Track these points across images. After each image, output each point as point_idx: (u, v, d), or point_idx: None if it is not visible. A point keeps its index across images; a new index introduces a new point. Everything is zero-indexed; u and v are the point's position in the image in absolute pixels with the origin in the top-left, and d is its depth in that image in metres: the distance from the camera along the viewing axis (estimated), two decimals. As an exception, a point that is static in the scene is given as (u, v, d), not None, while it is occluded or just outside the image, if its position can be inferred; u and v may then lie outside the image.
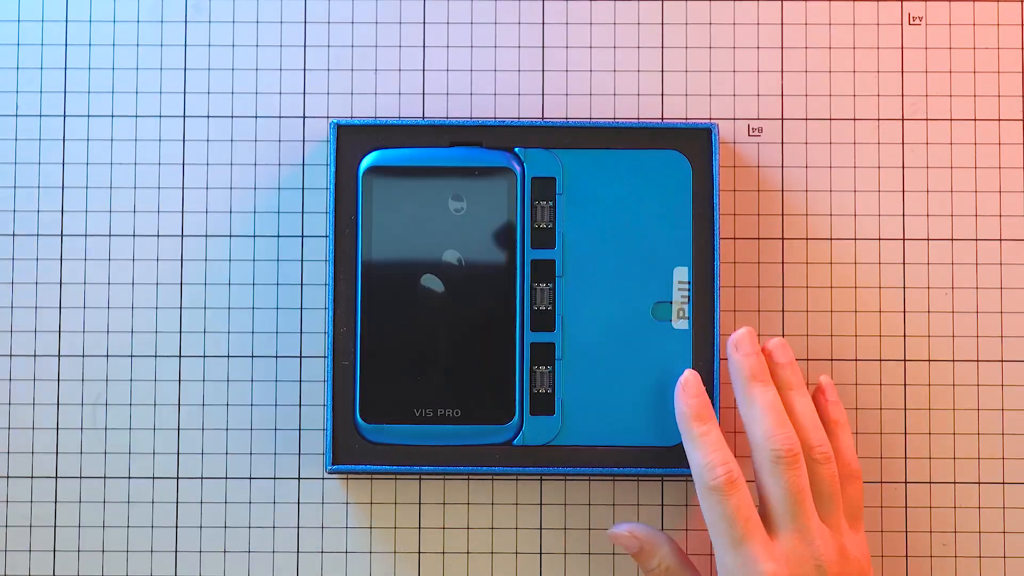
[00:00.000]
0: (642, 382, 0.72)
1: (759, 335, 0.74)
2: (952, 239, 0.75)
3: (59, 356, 0.75)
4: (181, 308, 0.75)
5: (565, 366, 0.72)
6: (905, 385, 0.75)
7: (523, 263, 0.72)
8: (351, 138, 0.73)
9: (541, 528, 0.75)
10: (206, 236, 0.75)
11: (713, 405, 0.72)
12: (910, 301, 0.75)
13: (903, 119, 0.76)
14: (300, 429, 0.75)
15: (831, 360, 0.75)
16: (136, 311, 0.75)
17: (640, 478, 0.74)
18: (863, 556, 0.69)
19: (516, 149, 0.73)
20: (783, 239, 0.75)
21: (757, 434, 0.68)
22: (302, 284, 0.75)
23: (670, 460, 0.72)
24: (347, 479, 0.75)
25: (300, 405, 0.75)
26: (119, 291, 0.75)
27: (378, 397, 0.72)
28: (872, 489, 0.75)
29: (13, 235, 0.75)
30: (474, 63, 0.76)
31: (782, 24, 0.76)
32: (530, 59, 0.76)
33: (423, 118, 0.75)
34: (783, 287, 0.75)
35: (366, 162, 0.73)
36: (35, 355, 0.75)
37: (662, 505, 0.75)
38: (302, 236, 0.75)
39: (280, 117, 0.75)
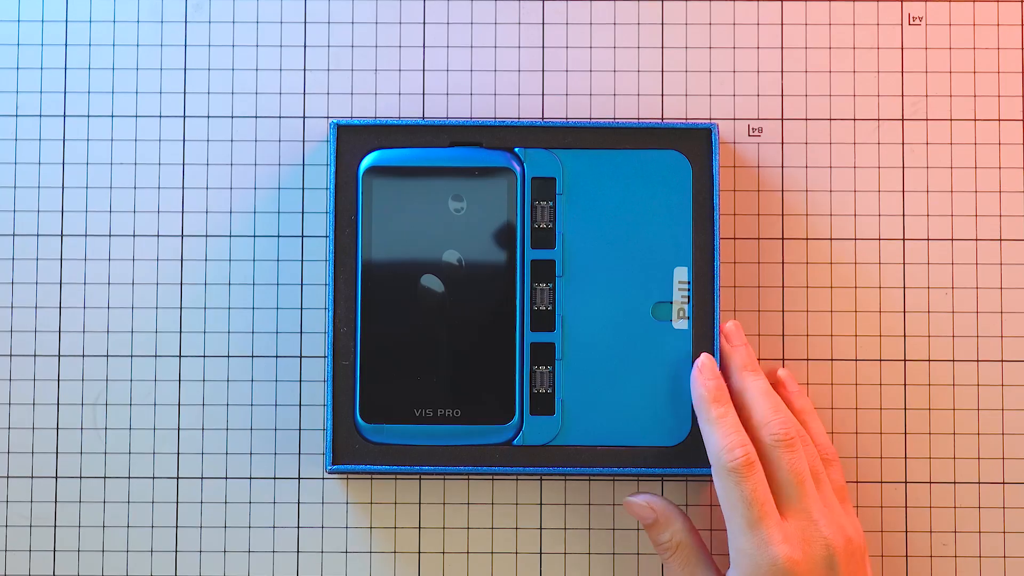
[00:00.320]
0: (642, 382, 0.72)
1: (759, 335, 0.75)
2: (952, 239, 0.75)
3: (59, 356, 0.75)
4: (181, 308, 0.75)
5: (565, 366, 0.72)
6: (905, 385, 0.75)
7: (523, 263, 0.72)
8: (351, 138, 0.73)
9: (541, 528, 0.75)
10: (206, 236, 0.75)
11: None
12: (910, 301, 0.75)
13: (903, 119, 0.76)
14: (300, 429, 0.75)
15: (831, 360, 0.75)
16: (136, 311, 0.75)
17: (640, 478, 0.74)
18: (859, 534, 0.69)
19: (516, 149, 0.73)
20: (783, 239, 0.75)
21: (753, 420, 0.69)
22: (302, 284, 0.75)
23: (670, 460, 0.72)
24: (347, 479, 0.75)
25: (300, 405, 0.75)
26: (119, 291, 0.75)
27: (378, 397, 0.72)
28: (872, 489, 0.75)
29: (13, 235, 0.75)
30: (474, 63, 0.76)
31: (782, 24, 0.76)
32: (530, 59, 0.76)
33: (423, 118, 0.75)
34: (783, 287, 0.75)
35: (366, 162, 0.73)
36: (35, 355, 0.75)
37: (662, 505, 0.75)
38: (302, 236, 0.75)
39: (280, 117, 0.75)
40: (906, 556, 0.75)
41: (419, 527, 0.75)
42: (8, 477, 0.74)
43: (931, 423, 0.75)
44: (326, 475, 0.74)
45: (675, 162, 0.73)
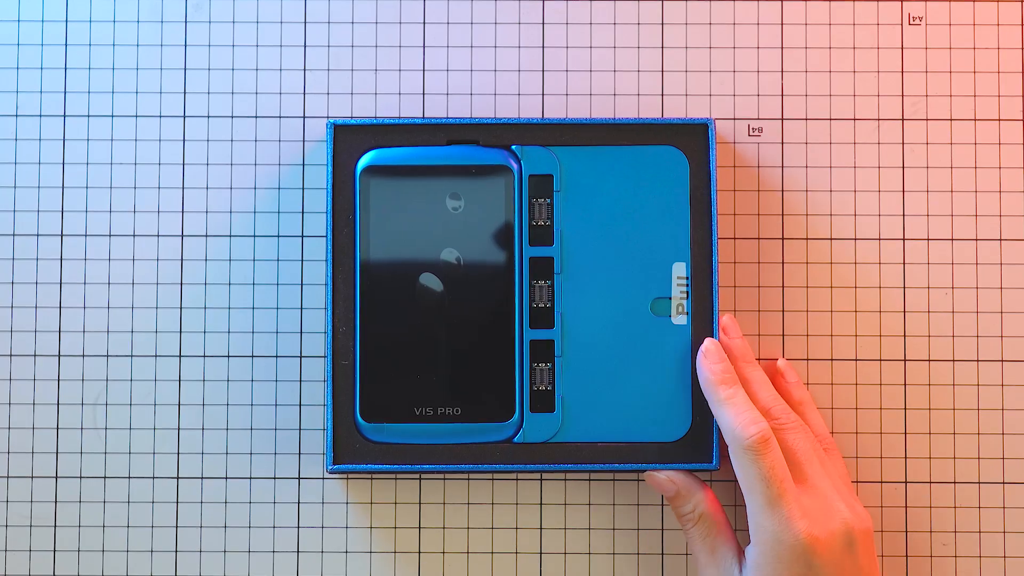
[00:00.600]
0: (642, 378, 0.72)
1: (759, 335, 0.75)
2: (952, 239, 0.75)
3: (59, 356, 0.75)
4: (181, 308, 0.75)
5: (565, 363, 0.72)
6: (905, 385, 0.75)
7: (521, 261, 0.72)
8: (348, 138, 0.73)
9: (541, 528, 0.75)
10: (206, 236, 0.75)
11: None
12: (910, 301, 0.75)
13: (903, 119, 0.76)
14: (300, 429, 0.75)
15: (831, 360, 0.75)
16: (136, 311, 0.75)
17: (640, 474, 0.74)
18: (869, 516, 0.70)
19: (513, 147, 0.73)
20: (783, 239, 0.75)
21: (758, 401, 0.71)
22: (302, 284, 0.75)
23: (671, 455, 0.72)
24: (347, 479, 0.75)
25: (300, 405, 0.75)
26: (119, 291, 0.75)
27: (378, 396, 0.72)
28: (872, 489, 0.75)
29: (13, 235, 0.75)
30: (474, 63, 0.76)
31: (782, 24, 0.76)
32: (530, 59, 0.76)
33: (423, 118, 0.75)
34: (783, 287, 0.75)
35: (363, 162, 0.73)
36: (35, 355, 0.75)
37: (662, 504, 0.75)
38: (302, 236, 0.75)
39: (280, 117, 0.76)
40: (906, 556, 0.75)
41: (419, 527, 0.75)
42: (8, 477, 0.74)
43: (931, 423, 0.75)
44: (326, 475, 0.74)
45: (672, 158, 0.73)
